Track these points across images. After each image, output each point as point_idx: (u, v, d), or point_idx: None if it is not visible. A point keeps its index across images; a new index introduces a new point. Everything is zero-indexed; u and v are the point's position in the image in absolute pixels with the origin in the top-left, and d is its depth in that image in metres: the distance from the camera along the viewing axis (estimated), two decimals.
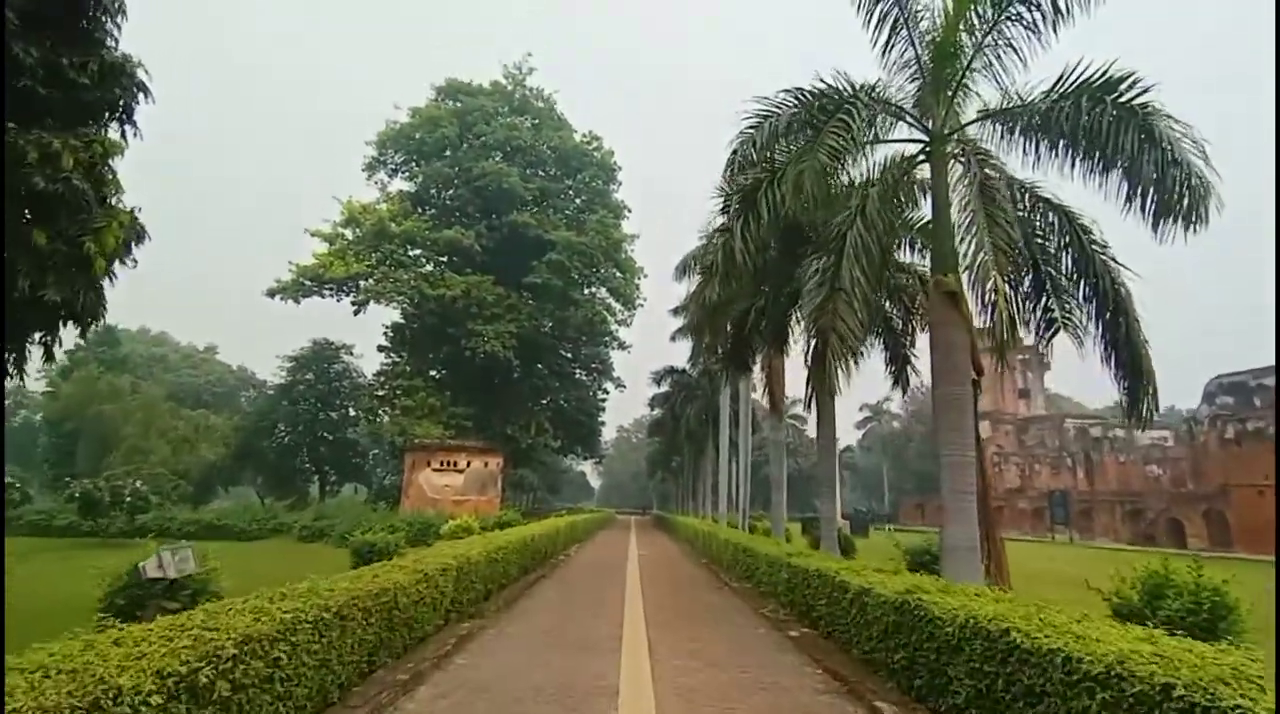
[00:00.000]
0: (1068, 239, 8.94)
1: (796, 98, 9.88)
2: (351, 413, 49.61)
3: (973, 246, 7.87)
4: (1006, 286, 6.97)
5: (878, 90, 9.61)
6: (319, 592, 5.26)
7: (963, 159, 8.90)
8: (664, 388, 44.68)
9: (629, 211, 44.49)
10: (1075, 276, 9.05)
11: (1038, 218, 9.46)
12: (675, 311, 35.68)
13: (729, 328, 19.11)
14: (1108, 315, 8.60)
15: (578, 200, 44.41)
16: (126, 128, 8.26)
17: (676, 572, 17.14)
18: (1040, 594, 6.94)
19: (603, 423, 53.12)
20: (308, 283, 37.84)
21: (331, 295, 38.68)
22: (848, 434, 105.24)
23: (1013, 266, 8.75)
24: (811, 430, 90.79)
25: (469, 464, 33.19)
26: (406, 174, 42.45)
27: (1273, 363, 35.69)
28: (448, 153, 40.57)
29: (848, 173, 10.77)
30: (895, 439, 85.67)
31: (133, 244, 8.44)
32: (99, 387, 42.87)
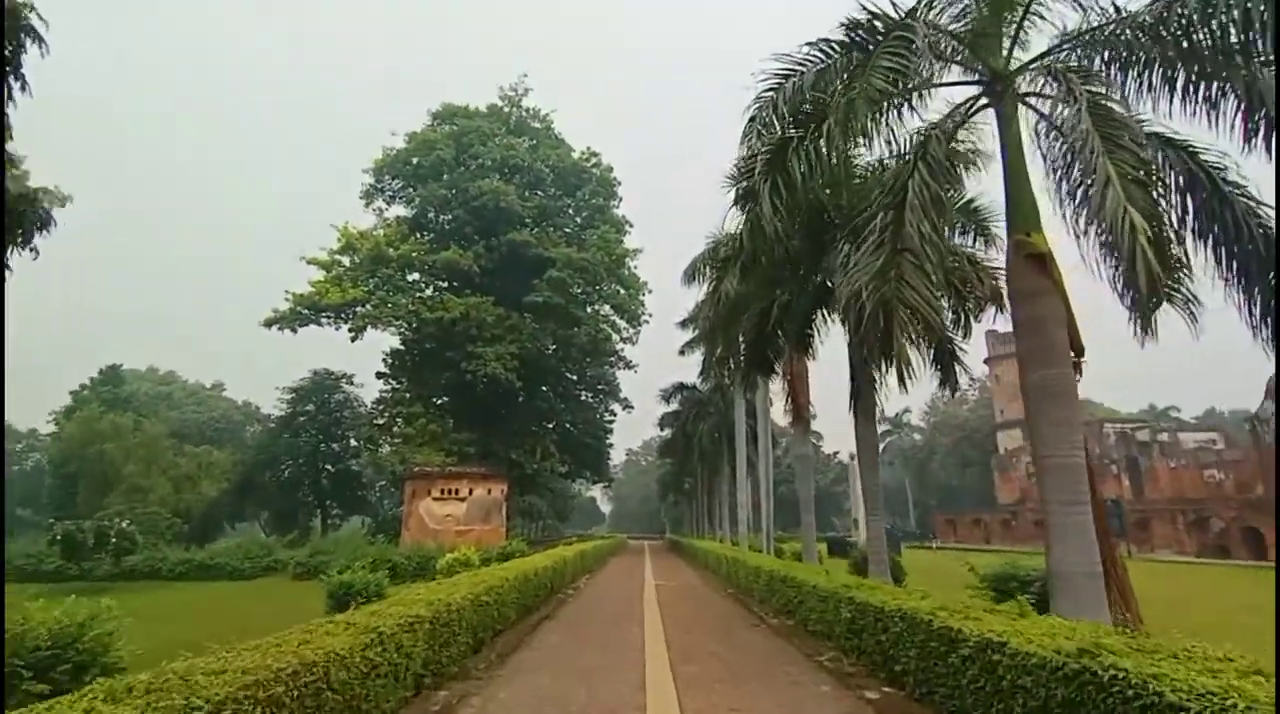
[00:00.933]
0: (1185, 179, 7.17)
1: (824, 49, 8.27)
2: (354, 443, 48.16)
3: (1067, 191, 6.04)
4: (1136, 228, 5.14)
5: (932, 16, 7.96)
6: (196, 681, 3.47)
7: (1049, 84, 7.18)
8: (673, 406, 42.91)
9: (630, 226, 43.27)
10: (1199, 228, 7.23)
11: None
12: (683, 324, 34.07)
13: (746, 331, 17.43)
14: (1254, 273, 6.76)
15: (578, 219, 43.28)
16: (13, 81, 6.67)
17: (701, 606, 15.18)
18: (1188, 631, 4.93)
19: (611, 445, 51.27)
20: (304, 312, 36.74)
21: (329, 323, 37.49)
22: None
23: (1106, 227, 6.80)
24: (829, 446, 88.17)
25: (471, 492, 31.32)
26: (404, 199, 41.46)
27: None
28: (444, 175, 39.73)
29: (891, 133, 8.95)
30: (917, 453, 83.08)
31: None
32: (100, 426, 41.75)
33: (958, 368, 14.56)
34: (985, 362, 70.47)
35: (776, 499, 45.69)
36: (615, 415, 50.81)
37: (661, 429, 48.31)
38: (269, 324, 36.06)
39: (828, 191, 13.75)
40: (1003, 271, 9.57)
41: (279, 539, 43.67)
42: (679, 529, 75.83)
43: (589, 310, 39.87)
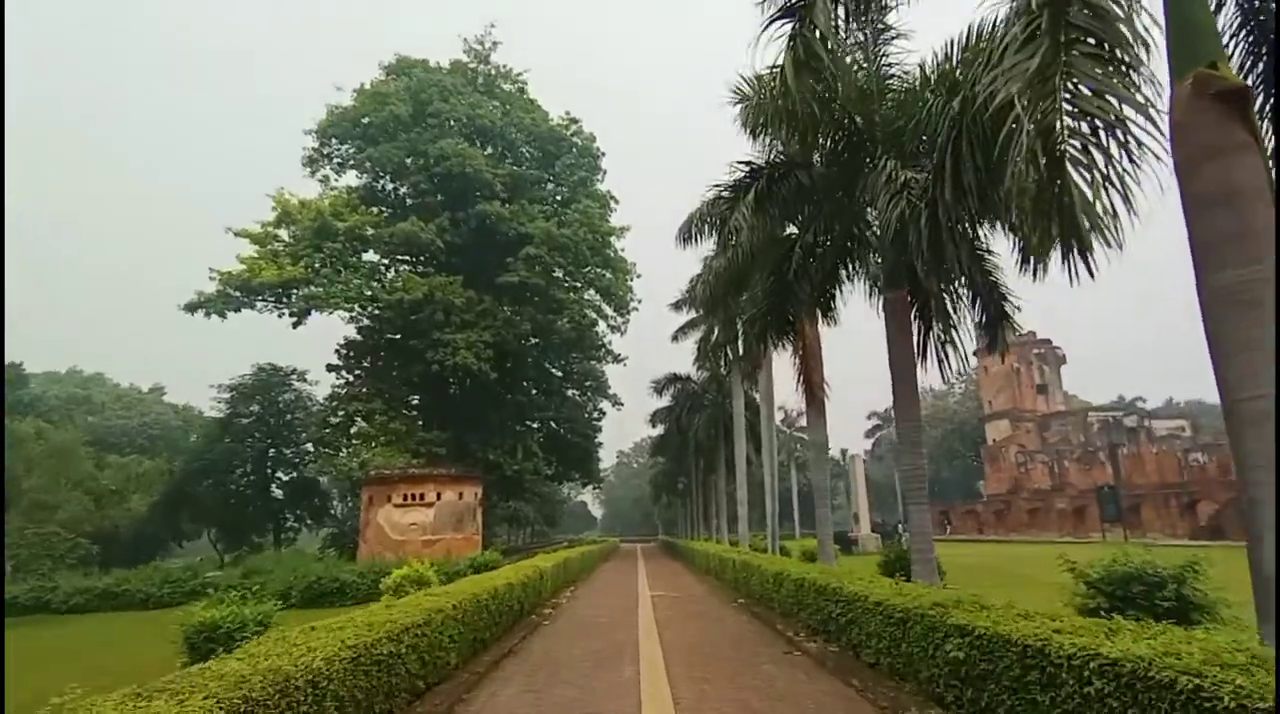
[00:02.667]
0: None
1: None
2: (311, 448, 44.14)
3: None
4: None
5: None
6: None
7: None
8: (666, 401, 39.50)
9: (616, 202, 39.70)
10: None
11: None
12: (677, 306, 30.75)
13: (762, 281, 14.30)
14: None
15: (557, 194, 39.47)
16: None
17: (710, 624, 11.73)
18: None
19: (600, 444, 47.66)
20: (235, 293, 32.16)
21: (267, 308, 33.15)
22: (855, 442, 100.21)
23: None
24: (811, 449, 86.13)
25: (440, 496, 27.66)
26: (355, 166, 36.92)
27: None
28: (400, 135, 34.82)
29: None
30: None
31: None
32: None
33: (1005, 325, 11.77)
34: (974, 353, 69.09)
35: (764, 502, 42.57)
36: (604, 413, 47.38)
37: (654, 425, 44.89)
38: (191, 309, 31.45)
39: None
40: None
41: (228, 558, 39.63)
42: (672, 531, 72.59)
43: (572, 294, 36.32)
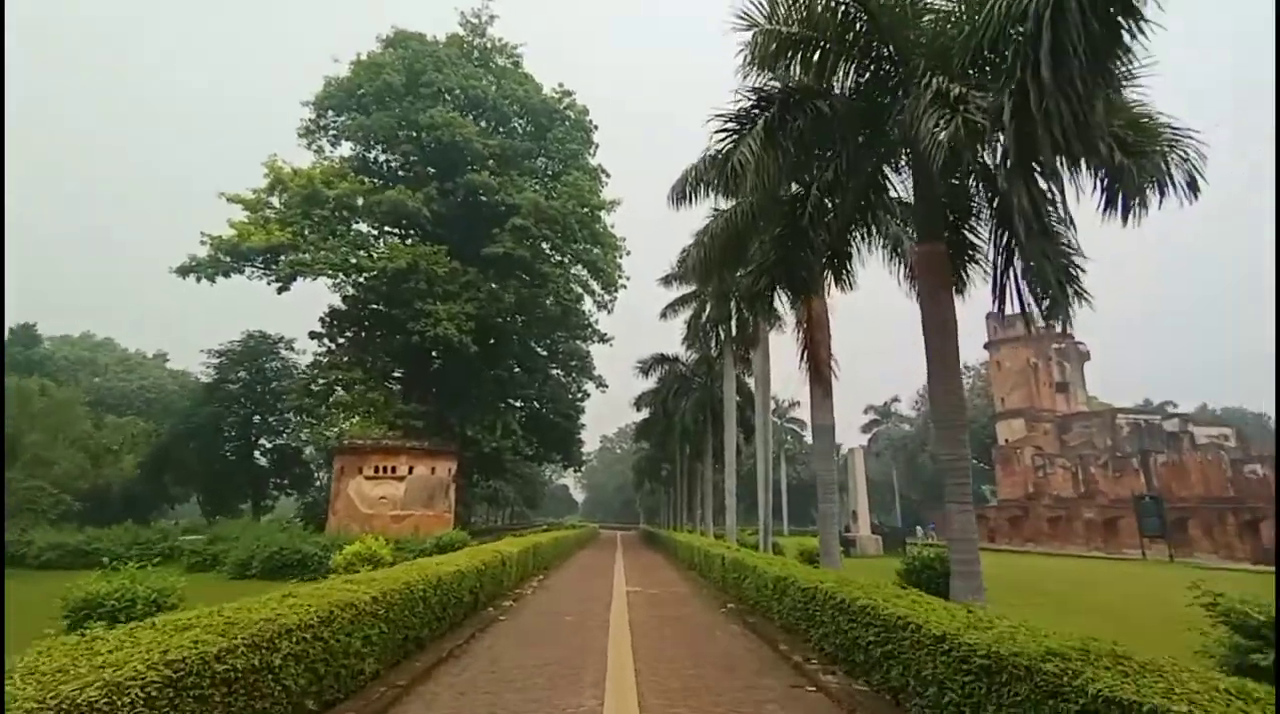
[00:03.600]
0: None
1: None
2: (292, 416, 42.85)
3: None
4: None
5: None
6: None
7: None
8: (652, 382, 38.11)
9: (607, 176, 38.19)
10: None
11: None
12: (666, 280, 29.29)
13: (771, 228, 12.92)
14: None
15: (548, 169, 37.96)
16: None
17: (697, 636, 10.06)
18: None
19: (582, 426, 46.58)
20: (225, 258, 31.27)
21: (257, 273, 32.05)
22: (850, 436, 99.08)
23: None
24: (810, 435, 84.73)
25: (412, 470, 26.46)
26: (349, 136, 35.86)
27: None
28: (394, 106, 34.14)
29: None
30: (908, 443, 79.32)
31: None
32: None
33: (1070, 291, 10.11)
34: (985, 347, 66.87)
35: (752, 493, 41.43)
36: (588, 395, 46.22)
37: (638, 409, 43.63)
38: (184, 272, 30.63)
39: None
40: None
41: (210, 522, 38.63)
42: (654, 519, 71.70)
43: (558, 269, 34.89)
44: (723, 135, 10.47)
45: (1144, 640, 6.33)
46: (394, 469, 26.12)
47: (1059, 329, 13.72)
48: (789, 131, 9.53)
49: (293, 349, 43.07)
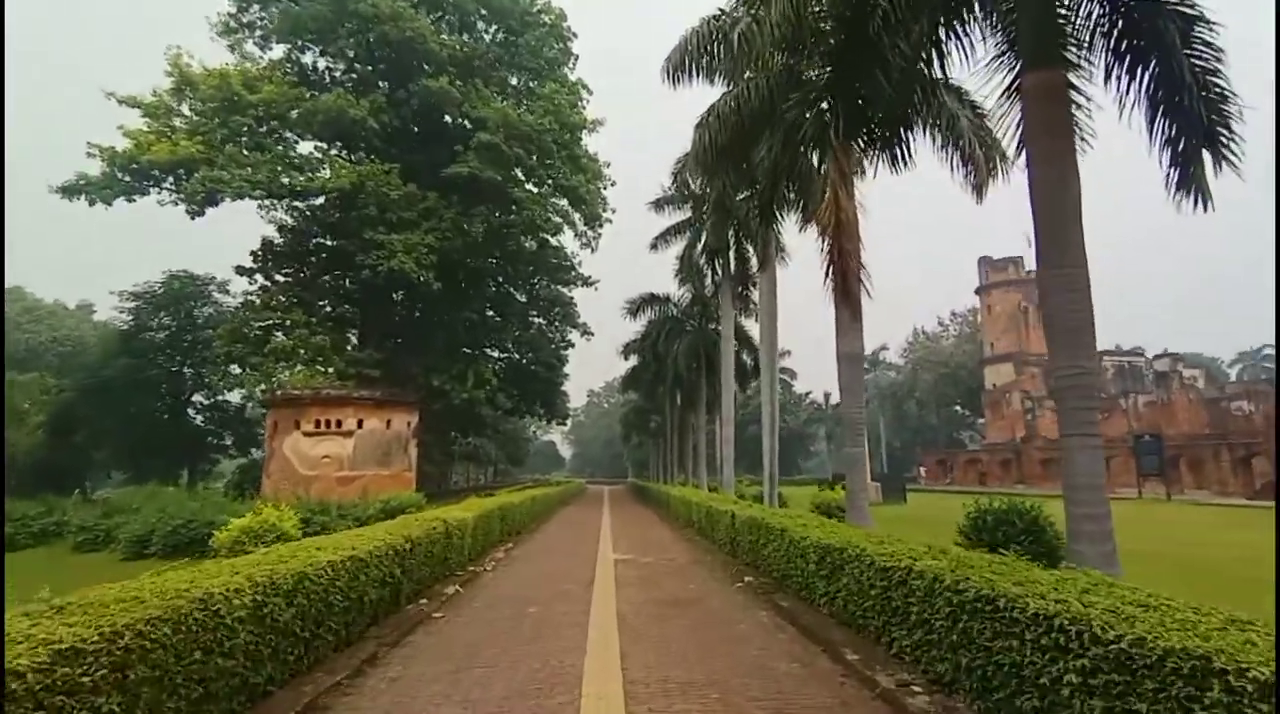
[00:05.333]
0: None
1: None
2: (235, 370, 38.49)
3: None
4: None
5: None
6: None
7: None
8: (642, 325, 34.47)
9: (589, 93, 33.48)
10: None
11: None
12: (658, 204, 25.42)
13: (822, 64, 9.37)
14: None
15: (522, 84, 33.10)
16: None
17: (717, 635, 6.68)
18: None
19: (565, 376, 42.83)
20: (123, 177, 26.27)
21: (169, 196, 27.14)
22: (831, 384, 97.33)
23: None
24: (801, 385, 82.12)
25: (361, 424, 22.63)
26: (278, 36, 30.26)
27: None
28: None
29: None
30: (896, 390, 77.51)
31: None
32: None
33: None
34: (975, 292, 65.14)
35: (742, 444, 38.12)
36: (572, 345, 42.36)
37: (626, 357, 40.04)
38: (69, 193, 25.46)
39: None
40: None
41: (135, 491, 34.69)
42: (643, 473, 69.20)
43: (534, 196, 30.48)
44: None
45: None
46: (340, 423, 22.29)
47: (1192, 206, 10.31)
48: None
49: (227, 292, 37.86)
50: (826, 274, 11.72)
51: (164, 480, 36.81)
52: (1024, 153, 7.58)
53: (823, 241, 11.99)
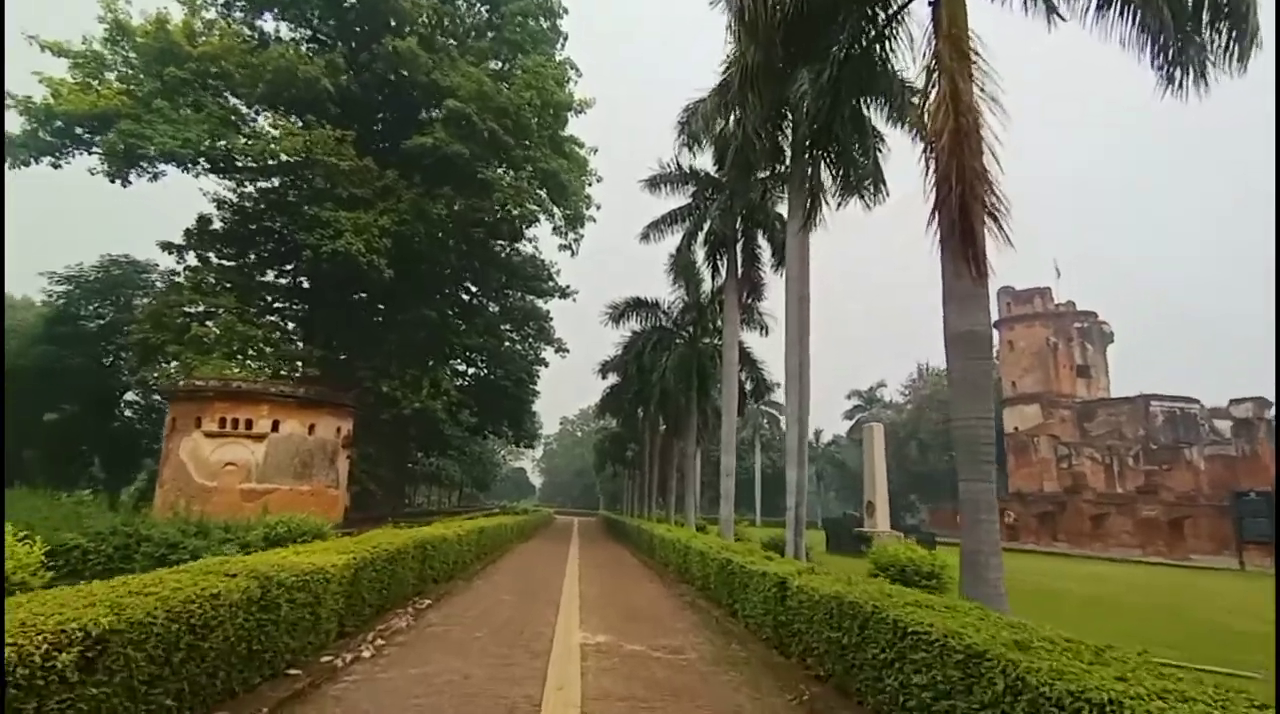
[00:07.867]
0: None
1: None
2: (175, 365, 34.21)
3: None
4: None
5: None
6: None
7: None
8: (626, 332, 30.59)
9: (578, 74, 30.32)
10: None
11: None
12: (652, 183, 21.77)
13: None
14: None
15: (504, 58, 29.80)
16: None
17: None
18: None
19: (536, 394, 38.98)
20: (45, 135, 22.83)
21: (99, 160, 23.32)
22: (833, 423, 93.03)
23: None
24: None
25: (277, 426, 18.56)
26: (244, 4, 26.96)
27: None
28: None
29: None
30: (897, 431, 73.15)
31: None
32: None
33: None
34: (994, 326, 60.33)
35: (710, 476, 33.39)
36: (546, 363, 38.68)
37: (604, 375, 36.07)
38: None
39: None
40: None
41: (55, 498, 30.09)
42: (615, 506, 64.55)
43: (507, 179, 26.89)
44: None
45: None
46: (250, 424, 18.20)
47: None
48: None
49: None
50: (933, 213, 7.87)
51: (88, 484, 32.34)
52: None
53: (928, 158, 8.13)
